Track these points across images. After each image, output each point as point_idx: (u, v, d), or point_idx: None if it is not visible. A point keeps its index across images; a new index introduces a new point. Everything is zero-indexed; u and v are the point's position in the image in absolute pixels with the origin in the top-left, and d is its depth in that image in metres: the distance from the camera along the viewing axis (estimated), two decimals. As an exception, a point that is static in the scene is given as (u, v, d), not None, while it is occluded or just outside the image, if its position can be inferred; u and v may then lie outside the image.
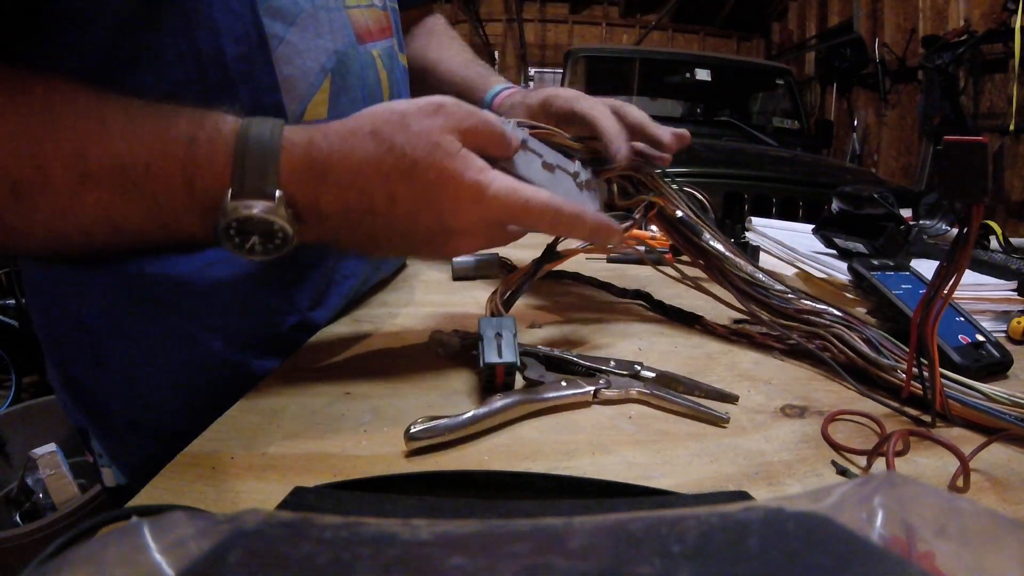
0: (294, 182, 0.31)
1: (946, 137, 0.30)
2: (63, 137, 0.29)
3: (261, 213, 0.30)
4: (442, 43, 0.69)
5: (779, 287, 0.47)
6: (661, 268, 0.62)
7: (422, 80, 0.65)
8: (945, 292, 0.32)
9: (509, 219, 0.35)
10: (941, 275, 0.32)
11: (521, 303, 0.54)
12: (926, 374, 0.34)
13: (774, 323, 0.44)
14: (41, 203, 0.30)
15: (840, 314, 0.43)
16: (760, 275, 0.47)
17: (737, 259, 0.48)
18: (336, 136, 0.32)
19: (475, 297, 0.56)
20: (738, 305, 0.48)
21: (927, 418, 0.35)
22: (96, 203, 0.30)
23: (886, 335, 0.41)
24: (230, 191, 0.30)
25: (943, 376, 0.35)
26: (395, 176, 0.32)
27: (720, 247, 0.49)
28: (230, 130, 0.31)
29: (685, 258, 0.70)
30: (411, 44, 0.68)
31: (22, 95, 0.30)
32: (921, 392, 0.35)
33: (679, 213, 0.50)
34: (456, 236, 0.35)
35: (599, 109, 0.48)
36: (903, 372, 0.37)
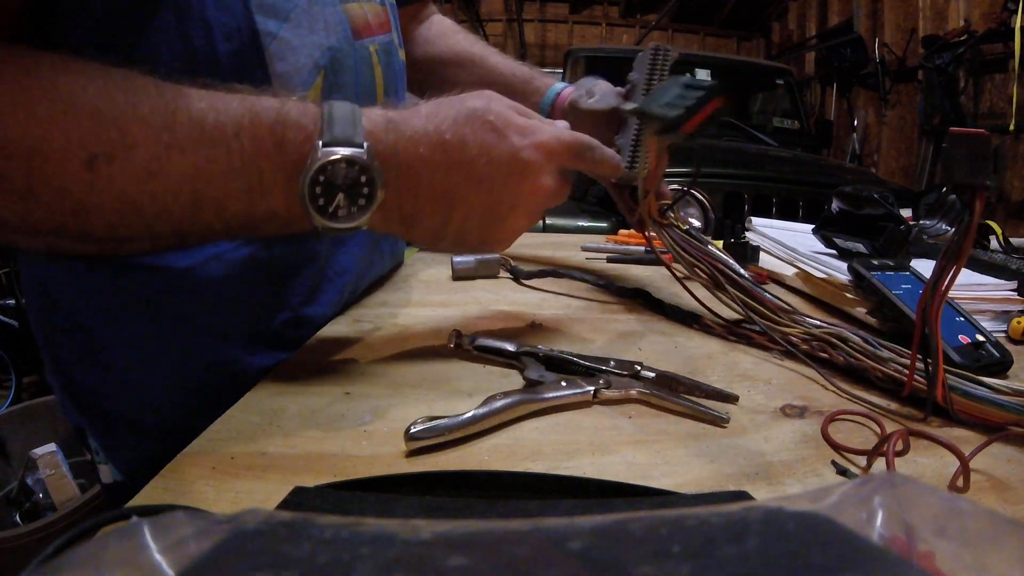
0: (375, 135, 0.33)
1: (951, 129, 0.32)
2: (147, 107, 0.30)
3: (351, 155, 0.31)
4: (472, 39, 0.71)
5: (774, 301, 0.47)
6: (674, 270, 0.62)
7: (466, 71, 0.68)
8: (950, 276, 0.33)
9: (561, 152, 0.39)
10: (946, 258, 0.33)
11: (520, 301, 0.54)
12: (930, 368, 0.34)
13: (773, 328, 0.44)
14: (119, 173, 0.30)
15: (836, 324, 0.43)
16: (757, 288, 0.48)
17: (739, 271, 0.49)
18: (401, 108, 0.36)
19: (475, 297, 0.56)
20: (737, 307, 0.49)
21: (928, 416, 0.35)
22: (180, 170, 0.30)
23: (882, 340, 0.41)
24: (320, 140, 0.31)
25: (946, 371, 0.35)
26: (461, 120, 0.36)
27: (723, 256, 0.49)
28: (313, 101, 0.34)
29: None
30: (445, 39, 0.70)
31: (102, 75, 0.30)
32: (924, 385, 0.35)
33: (693, 221, 0.51)
34: (530, 173, 0.37)
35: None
36: (900, 367, 0.37)
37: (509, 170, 0.37)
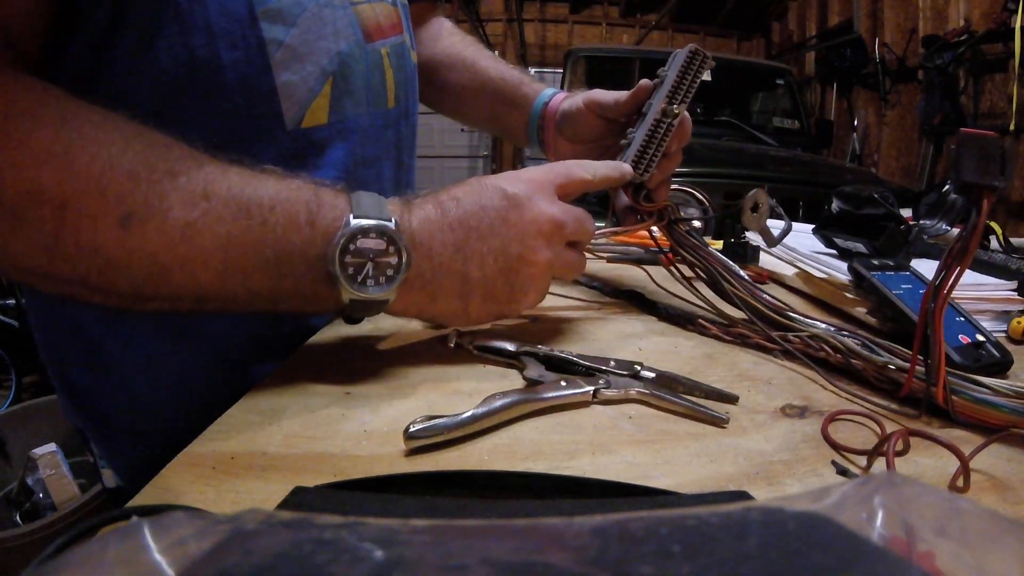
0: (396, 212, 0.35)
1: (962, 129, 0.32)
2: (186, 176, 0.31)
3: (381, 225, 0.33)
4: (467, 42, 0.71)
5: (773, 301, 0.47)
6: (675, 270, 0.62)
7: (456, 73, 0.68)
8: (954, 276, 0.33)
9: (549, 178, 0.40)
10: (951, 257, 0.33)
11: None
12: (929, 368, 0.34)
13: (768, 332, 0.44)
14: (152, 235, 0.30)
15: (834, 327, 0.43)
16: (756, 288, 0.48)
17: (738, 272, 0.49)
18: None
19: (475, 297, 0.56)
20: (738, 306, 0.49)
21: (928, 419, 0.35)
22: (213, 238, 0.31)
23: (881, 340, 0.41)
24: (352, 215, 0.33)
25: (947, 371, 0.35)
26: (454, 187, 0.38)
27: (723, 258, 0.50)
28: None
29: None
30: (439, 41, 0.69)
31: (143, 138, 0.31)
32: (923, 384, 0.35)
33: (694, 223, 0.51)
34: (522, 203, 0.38)
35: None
36: (898, 368, 0.37)
37: (501, 206, 0.37)
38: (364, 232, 0.33)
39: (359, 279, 0.33)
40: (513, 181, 0.38)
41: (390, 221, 0.34)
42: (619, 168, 0.45)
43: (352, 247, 0.33)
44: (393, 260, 0.34)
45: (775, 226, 0.55)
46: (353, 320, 0.37)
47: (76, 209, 0.29)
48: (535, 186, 0.39)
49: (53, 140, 0.28)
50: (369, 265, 0.33)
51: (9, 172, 0.28)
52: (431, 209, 0.37)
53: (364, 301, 0.34)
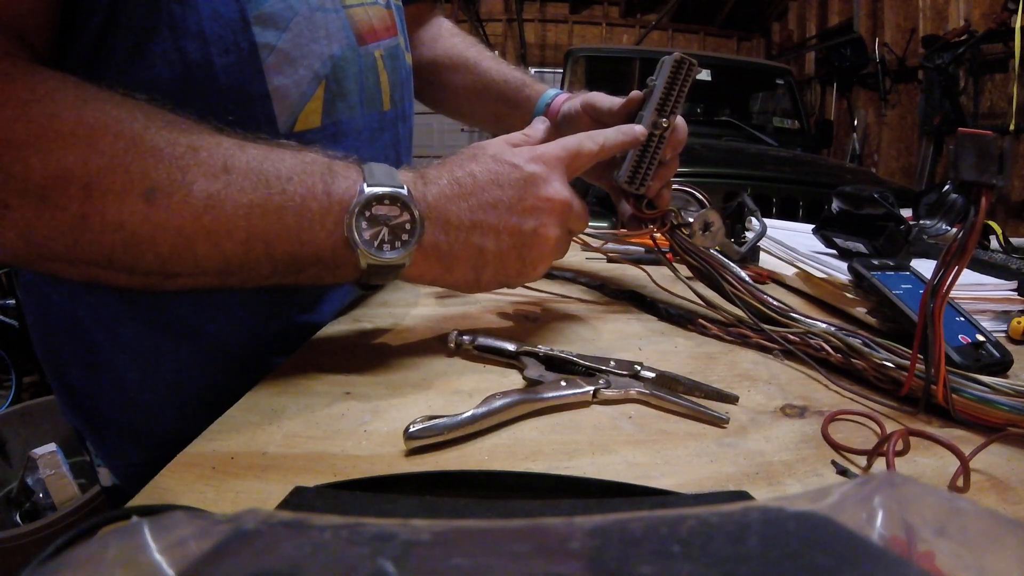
0: (409, 181, 0.37)
1: (960, 128, 0.32)
2: (207, 152, 0.32)
3: (394, 192, 0.35)
4: (469, 42, 0.71)
5: (773, 301, 0.47)
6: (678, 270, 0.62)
7: (459, 75, 0.68)
8: (953, 274, 0.33)
9: (560, 157, 0.41)
10: (949, 256, 0.33)
11: (519, 299, 0.54)
12: (931, 368, 0.34)
13: (771, 332, 0.44)
14: (177, 206, 0.31)
15: (834, 326, 0.43)
16: (757, 290, 0.48)
17: (738, 273, 0.49)
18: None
19: (475, 297, 0.56)
20: (734, 309, 0.49)
21: (928, 418, 0.35)
22: (235, 207, 0.32)
23: (881, 340, 0.41)
24: (365, 183, 0.35)
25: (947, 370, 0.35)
26: (466, 158, 0.40)
27: (723, 260, 0.50)
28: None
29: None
30: (440, 42, 0.70)
31: (164, 118, 0.32)
32: (923, 384, 0.35)
33: (693, 228, 0.51)
34: (537, 181, 0.39)
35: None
36: (898, 367, 0.37)
37: (518, 184, 0.39)
38: (378, 199, 0.34)
39: (375, 244, 0.35)
40: (527, 160, 0.40)
41: (403, 188, 0.35)
42: (631, 131, 0.46)
43: (367, 213, 0.34)
44: (407, 225, 0.35)
45: (752, 228, 0.55)
46: (369, 287, 0.39)
47: (101, 187, 0.29)
48: (550, 165, 0.40)
49: (76, 122, 0.29)
50: (384, 230, 0.35)
51: (35, 156, 0.28)
52: (446, 185, 0.38)
53: (381, 266, 0.35)
